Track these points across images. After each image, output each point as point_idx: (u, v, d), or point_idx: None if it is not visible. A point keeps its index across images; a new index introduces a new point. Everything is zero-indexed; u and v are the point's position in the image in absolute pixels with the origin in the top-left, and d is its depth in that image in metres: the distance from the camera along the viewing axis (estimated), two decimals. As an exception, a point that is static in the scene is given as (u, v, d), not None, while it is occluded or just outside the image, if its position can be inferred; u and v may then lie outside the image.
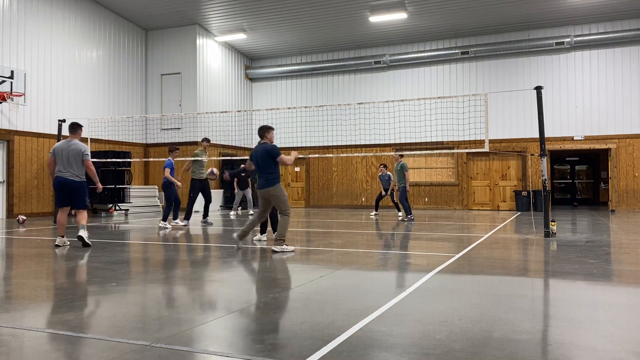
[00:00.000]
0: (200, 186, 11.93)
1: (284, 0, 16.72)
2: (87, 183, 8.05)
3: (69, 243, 7.93)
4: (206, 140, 12.43)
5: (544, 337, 3.21)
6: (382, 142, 19.51)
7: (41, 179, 15.28)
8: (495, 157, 18.75)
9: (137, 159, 17.00)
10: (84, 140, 15.52)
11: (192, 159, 12.04)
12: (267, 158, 7.13)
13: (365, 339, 3.14)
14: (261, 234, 8.56)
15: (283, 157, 7.21)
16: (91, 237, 9.32)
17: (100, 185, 8.28)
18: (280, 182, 7.30)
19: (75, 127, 8.05)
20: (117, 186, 16.39)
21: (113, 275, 5.37)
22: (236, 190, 15.21)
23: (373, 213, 15.00)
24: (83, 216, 7.92)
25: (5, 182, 14.51)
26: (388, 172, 14.76)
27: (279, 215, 7.26)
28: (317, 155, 11.81)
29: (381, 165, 14.92)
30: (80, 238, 7.68)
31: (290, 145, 20.69)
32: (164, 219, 11.31)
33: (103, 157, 15.67)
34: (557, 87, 17.97)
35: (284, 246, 7.07)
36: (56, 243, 7.84)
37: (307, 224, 12.21)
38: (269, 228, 8.86)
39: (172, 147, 11.77)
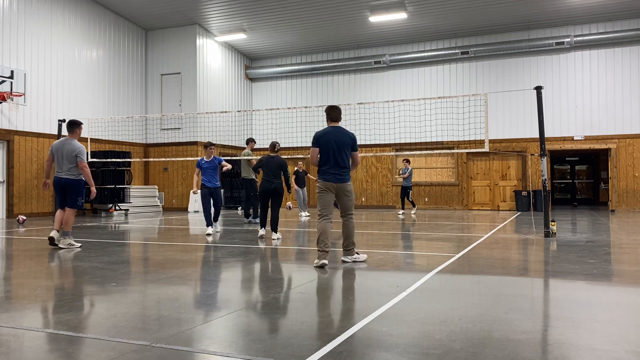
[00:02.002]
0: (255, 185, 12.09)
1: (284, 0, 16.72)
2: (84, 183, 7.73)
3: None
4: (252, 140, 12.58)
5: (544, 337, 3.21)
6: (382, 142, 19.51)
7: (41, 179, 15.27)
8: (495, 157, 18.75)
9: (137, 159, 17.00)
10: (84, 140, 15.56)
11: (246, 158, 12.17)
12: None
13: (365, 339, 3.14)
14: (261, 228, 8.51)
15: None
16: (91, 237, 9.33)
17: (94, 190, 7.70)
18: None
19: (72, 126, 7.75)
20: (117, 186, 16.39)
21: (113, 275, 5.37)
22: (296, 188, 14.55)
23: (413, 211, 15.98)
24: (68, 219, 7.54)
25: (5, 182, 14.51)
26: (409, 167, 15.41)
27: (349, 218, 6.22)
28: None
29: (404, 160, 15.66)
30: (52, 241, 7.52)
31: (291, 145, 20.69)
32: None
33: (103, 157, 15.67)
34: (557, 87, 17.97)
35: (356, 255, 6.15)
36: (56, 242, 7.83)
37: (307, 224, 12.21)
38: (268, 228, 8.85)
39: (207, 143, 9.94)
